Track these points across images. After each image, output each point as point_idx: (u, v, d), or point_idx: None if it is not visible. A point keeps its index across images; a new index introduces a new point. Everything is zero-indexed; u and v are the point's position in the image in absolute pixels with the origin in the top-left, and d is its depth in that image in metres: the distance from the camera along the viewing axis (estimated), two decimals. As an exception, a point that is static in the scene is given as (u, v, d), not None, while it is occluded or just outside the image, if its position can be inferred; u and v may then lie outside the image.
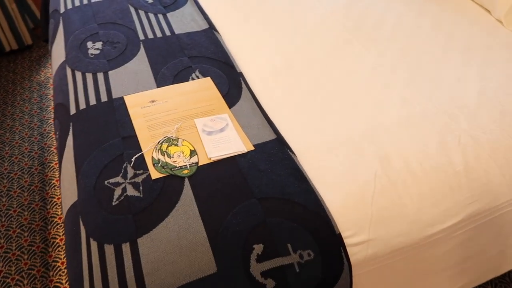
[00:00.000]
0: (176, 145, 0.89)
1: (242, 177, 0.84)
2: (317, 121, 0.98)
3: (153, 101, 1.01)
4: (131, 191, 0.81)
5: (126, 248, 0.73)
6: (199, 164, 0.86)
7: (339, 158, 0.89)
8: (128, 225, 0.76)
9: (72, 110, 1.01)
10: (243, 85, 1.07)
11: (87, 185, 0.83)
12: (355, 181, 0.85)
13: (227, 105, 1.01)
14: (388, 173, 0.86)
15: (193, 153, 0.88)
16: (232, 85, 1.07)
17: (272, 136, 0.93)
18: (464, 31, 1.23)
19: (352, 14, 1.31)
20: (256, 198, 0.80)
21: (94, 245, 0.75)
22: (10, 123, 2.00)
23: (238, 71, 1.11)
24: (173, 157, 0.87)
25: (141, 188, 0.81)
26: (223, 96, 1.04)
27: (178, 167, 0.85)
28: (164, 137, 0.90)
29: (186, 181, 0.83)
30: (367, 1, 1.37)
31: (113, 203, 0.79)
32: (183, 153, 0.88)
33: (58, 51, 1.23)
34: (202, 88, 1.06)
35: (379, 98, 1.03)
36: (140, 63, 1.12)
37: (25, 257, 1.46)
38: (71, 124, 0.98)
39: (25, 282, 1.39)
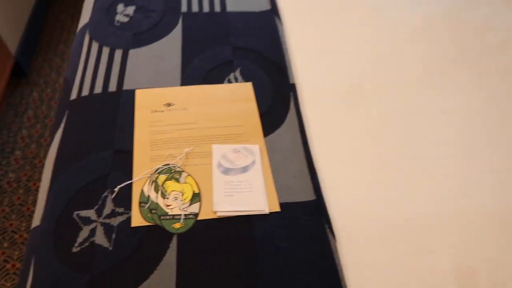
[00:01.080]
0: (177, 180, 0.66)
1: (252, 254, 0.59)
2: (377, 189, 0.69)
3: (169, 105, 0.77)
4: (100, 238, 0.60)
5: (68, 324, 0.53)
6: (198, 218, 0.62)
7: (395, 259, 0.61)
8: (80, 291, 0.55)
9: (73, 94, 0.80)
10: (292, 104, 0.79)
11: (52, 210, 0.63)
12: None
13: (263, 131, 0.75)
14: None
15: (195, 198, 0.64)
16: (277, 101, 0.79)
17: (310, 195, 0.66)
18: None
19: (461, 27, 0.94)
20: (259, 296, 0.56)
21: (33, 305, 0.56)
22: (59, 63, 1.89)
23: (291, 82, 0.83)
24: (167, 198, 0.64)
25: (113, 236, 0.60)
26: (261, 115, 0.77)
27: (170, 216, 0.62)
28: (166, 165, 0.67)
29: (174, 241, 0.60)
30: (484, 9, 0.98)
31: (74, 249, 0.59)
32: (182, 195, 0.64)
33: (86, 8, 1.01)
34: (237, 98, 0.79)
35: (469, 174, 0.70)
36: (171, 45, 0.88)
37: None
38: (66, 112, 0.78)
39: None
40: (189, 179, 0.66)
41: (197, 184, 0.66)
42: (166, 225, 0.61)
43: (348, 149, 0.73)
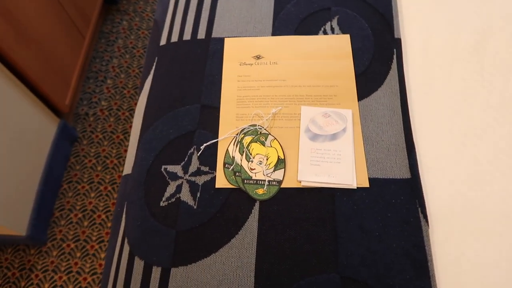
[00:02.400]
0: (263, 143, 0.63)
1: (332, 232, 0.57)
2: (484, 175, 0.60)
3: (258, 57, 0.73)
4: (185, 195, 0.61)
5: (156, 273, 0.57)
6: (281, 186, 0.60)
7: (493, 256, 0.54)
8: (167, 244, 0.58)
9: (163, 39, 0.79)
10: (394, 64, 0.70)
11: (142, 162, 0.65)
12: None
13: (357, 93, 0.68)
14: None
15: (280, 163, 0.62)
16: (377, 58, 0.71)
17: (405, 173, 0.60)
18: None
19: None
20: (339, 275, 0.54)
21: (126, 250, 0.60)
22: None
23: (396, 37, 0.72)
24: (252, 161, 0.62)
25: (198, 195, 0.61)
26: (357, 75, 0.69)
27: (254, 180, 0.61)
28: (252, 125, 0.65)
29: (256, 207, 0.59)
30: None
31: (161, 203, 0.61)
32: (267, 159, 0.62)
33: None
34: (332, 53, 0.72)
35: None
36: (263, -14, 0.80)
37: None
38: (155, 59, 0.77)
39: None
40: (275, 143, 0.63)
41: (282, 149, 0.63)
42: (249, 189, 0.60)
43: (457, 124, 0.64)
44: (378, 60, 0.70)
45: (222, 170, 0.62)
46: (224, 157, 0.62)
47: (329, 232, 0.57)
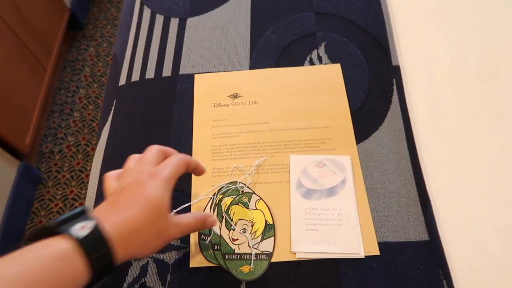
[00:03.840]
0: (246, 205, 0.52)
1: (341, 318, 0.45)
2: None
3: (235, 96, 0.61)
4: (152, 279, 0.49)
5: None
6: (272, 260, 0.49)
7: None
8: None
9: (122, 79, 0.67)
10: (395, 96, 0.59)
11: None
12: None
13: (355, 135, 0.57)
14: None
15: (269, 230, 0.50)
16: (375, 91, 0.60)
17: (422, 233, 0.49)
18: None
19: None
20: None
21: None
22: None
23: (394, 64, 0.62)
24: (234, 229, 0.50)
25: (168, 278, 0.48)
26: (353, 113, 0.59)
27: (237, 255, 0.49)
28: (232, 183, 0.53)
29: (244, 286, 0.47)
30: None
31: (119, 290, 0.49)
32: (252, 226, 0.50)
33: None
34: (322, 87, 0.61)
35: None
36: (237, 12, 0.69)
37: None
38: (114, 102, 0.65)
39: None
40: (261, 205, 0.52)
41: (270, 211, 0.51)
42: (232, 268, 0.48)
43: (475, 166, 0.54)
44: (375, 93, 0.60)
45: (198, 244, 0.50)
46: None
47: (335, 319, 0.45)
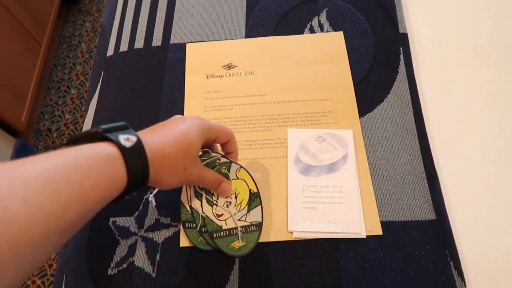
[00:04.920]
0: (226, 176, 0.47)
1: (339, 301, 0.42)
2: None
3: (229, 67, 0.57)
4: (141, 258, 0.46)
5: None
6: (267, 239, 0.45)
7: None
8: (117, 330, 0.43)
9: (110, 49, 0.63)
10: (402, 66, 0.55)
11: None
12: None
13: (358, 108, 0.53)
14: None
15: (254, 199, 0.46)
16: (380, 60, 0.56)
17: (429, 213, 0.46)
18: None
19: None
20: None
21: (64, 336, 0.45)
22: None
23: (401, 31, 0.58)
24: (216, 205, 0.46)
25: (157, 258, 0.46)
26: (356, 84, 0.55)
27: (225, 231, 0.45)
28: (205, 152, 0.47)
29: (236, 269, 0.45)
30: None
31: (109, 271, 0.46)
32: (236, 197, 0.47)
33: None
34: (323, 56, 0.57)
35: None
36: (232, -24, 0.65)
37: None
38: (102, 73, 0.61)
39: None
40: (242, 174, 0.47)
41: (252, 179, 0.47)
42: (222, 245, 0.44)
43: (485, 141, 0.50)
44: (381, 63, 0.56)
45: (183, 232, 0.46)
46: (180, 212, 0.47)
47: (333, 302, 0.42)
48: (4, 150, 1.21)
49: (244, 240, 0.45)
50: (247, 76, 0.56)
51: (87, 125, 0.58)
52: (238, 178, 0.47)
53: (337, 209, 0.46)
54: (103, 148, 0.30)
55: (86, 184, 0.28)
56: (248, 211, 0.46)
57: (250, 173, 0.47)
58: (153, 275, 0.45)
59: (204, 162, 0.45)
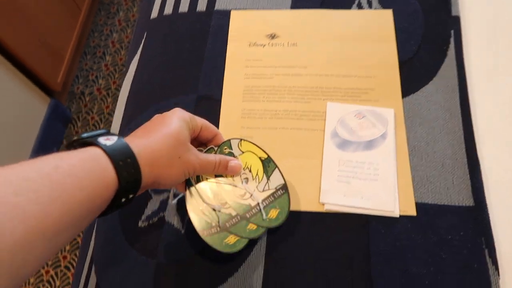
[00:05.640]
0: (232, 155, 0.45)
1: (365, 276, 0.42)
2: None
3: (272, 36, 0.57)
4: (171, 215, 0.47)
5: (129, 317, 0.44)
6: (298, 208, 0.45)
7: None
8: (144, 280, 0.44)
9: (154, 12, 0.63)
10: (451, 49, 0.53)
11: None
12: None
13: (401, 88, 0.52)
14: None
15: (267, 163, 0.45)
16: (428, 42, 0.54)
17: (467, 199, 0.45)
18: None
19: None
20: None
21: (93, 281, 0.47)
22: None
23: (453, 14, 0.56)
24: (235, 186, 0.44)
25: (187, 217, 0.46)
26: (402, 64, 0.53)
27: (256, 209, 0.43)
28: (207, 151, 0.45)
29: (264, 236, 0.45)
30: None
31: (140, 223, 0.47)
32: (251, 170, 0.45)
33: None
34: (369, 34, 0.56)
35: None
36: None
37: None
38: (145, 35, 0.62)
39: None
40: (245, 145, 0.46)
41: (257, 145, 0.46)
42: (259, 223, 0.43)
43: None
44: (429, 44, 0.54)
45: (207, 238, 0.41)
46: (192, 224, 0.41)
47: (360, 276, 0.42)
48: (39, 109, 1.25)
49: (277, 206, 0.44)
50: (290, 47, 0.55)
51: (126, 85, 0.59)
52: (243, 152, 0.45)
53: (371, 186, 0.46)
54: (84, 150, 0.30)
55: (69, 182, 0.26)
56: (268, 178, 0.45)
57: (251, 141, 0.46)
58: (182, 231, 0.46)
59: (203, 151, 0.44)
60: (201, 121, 0.41)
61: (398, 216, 0.44)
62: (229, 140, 0.45)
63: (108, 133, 0.33)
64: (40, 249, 0.24)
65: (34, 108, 1.23)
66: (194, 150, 0.39)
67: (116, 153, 0.30)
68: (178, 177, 0.37)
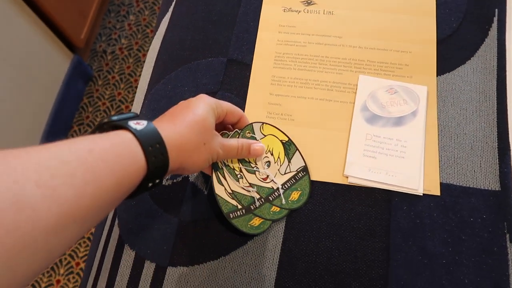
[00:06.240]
0: (253, 137, 0.45)
1: (383, 251, 0.42)
2: None
3: (308, 3, 0.55)
4: (194, 175, 0.47)
5: (148, 269, 0.45)
6: (322, 179, 0.45)
7: None
8: (166, 236, 0.45)
9: (188, -32, 0.62)
10: (493, 30, 0.51)
11: (146, 124, 0.51)
12: None
13: (436, 66, 0.50)
14: None
15: (288, 147, 0.46)
16: (470, 20, 0.52)
17: (494, 183, 0.44)
18: None
19: None
20: (387, 312, 0.40)
21: (116, 234, 0.48)
22: None
23: (499, -8, 0.53)
24: (257, 170, 0.44)
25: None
26: (439, 41, 0.52)
27: (278, 192, 0.44)
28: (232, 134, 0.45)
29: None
30: None
31: (164, 182, 0.48)
32: (272, 154, 0.46)
33: None
34: (409, 7, 0.54)
35: None
36: None
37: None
38: (177, -7, 0.61)
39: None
40: (267, 129, 0.46)
41: (277, 128, 0.46)
42: (282, 205, 0.44)
43: None
44: (471, 22, 0.52)
45: (233, 221, 0.43)
46: (220, 206, 0.43)
47: (378, 250, 0.42)
48: (61, 64, 1.25)
49: (299, 188, 0.45)
50: (326, 15, 0.54)
51: (155, 43, 0.59)
52: (265, 136, 0.46)
53: (397, 163, 0.45)
54: (115, 133, 0.30)
55: (102, 167, 0.26)
56: (289, 161, 0.46)
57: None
58: (205, 192, 0.46)
59: (229, 136, 0.44)
60: (226, 106, 0.41)
61: (421, 194, 0.44)
62: (251, 124, 0.45)
63: (137, 116, 0.33)
64: (71, 232, 0.24)
65: (58, 63, 1.23)
66: (218, 136, 0.39)
67: (146, 138, 0.30)
68: (202, 163, 0.37)
